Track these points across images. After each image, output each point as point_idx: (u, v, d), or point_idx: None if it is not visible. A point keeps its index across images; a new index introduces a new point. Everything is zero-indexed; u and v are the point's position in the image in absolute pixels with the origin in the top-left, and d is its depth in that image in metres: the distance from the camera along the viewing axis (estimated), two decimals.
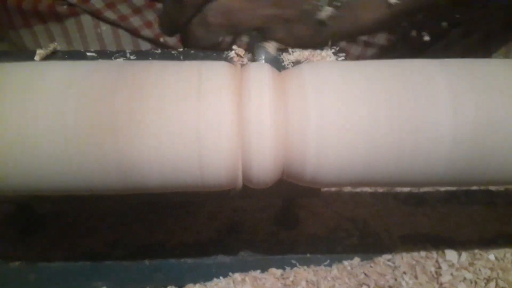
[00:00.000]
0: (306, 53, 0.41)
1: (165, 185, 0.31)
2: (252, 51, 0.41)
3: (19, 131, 0.29)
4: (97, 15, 0.78)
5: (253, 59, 0.41)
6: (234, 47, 0.42)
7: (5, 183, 0.30)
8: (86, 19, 0.79)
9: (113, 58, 0.41)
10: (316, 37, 0.43)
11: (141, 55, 0.41)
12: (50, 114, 0.28)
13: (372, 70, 0.31)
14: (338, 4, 0.40)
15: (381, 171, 0.31)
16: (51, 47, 0.42)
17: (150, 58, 0.41)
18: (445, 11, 0.48)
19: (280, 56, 0.41)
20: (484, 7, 0.50)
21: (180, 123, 0.29)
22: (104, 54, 0.41)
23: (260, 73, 0.31)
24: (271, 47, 0.41)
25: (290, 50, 0.42)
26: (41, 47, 0.88)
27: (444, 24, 0.49)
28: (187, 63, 0.32)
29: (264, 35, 0.42)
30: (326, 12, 0.39)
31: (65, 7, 0.78)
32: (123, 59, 0.40)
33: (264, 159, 0.30)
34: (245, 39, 0.43)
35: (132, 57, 0.41)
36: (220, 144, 0.29)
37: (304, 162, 0.30)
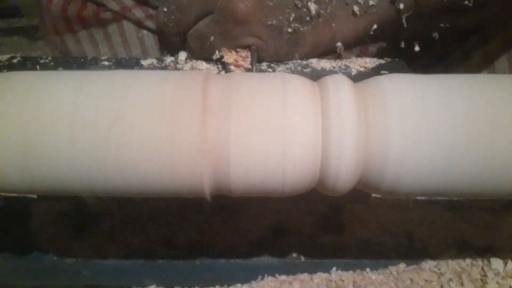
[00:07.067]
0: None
1: (248, 190, 0.32)
2: None
3: (105, 136, 0.31)
4: (138, 24, 0.81)
5: None
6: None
7: (91, 186, 0.32)
8: (128, 24, 0.82)
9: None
10: (291, 52, 0.45)
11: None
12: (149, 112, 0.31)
13: (451, 86, 0.32)
14: (307, 18, 0.41)
15: (455, 186, 0.32)
16: None
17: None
18: (430, 21, 0.48)
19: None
20: (502, 10, 0.49)
21: (267, 132, 0.30)
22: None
23: (340, 86, 0.32)
24: None
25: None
26: (84, 52, 0.91)
27: (435, 35, 0.49)
28: (270, 75, 0.33)
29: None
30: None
31: (108, 13, 0.81)
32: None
33: (344, 171, 0.31)
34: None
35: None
36: (303, 156, 0.31)
37: (383, 175, 0.32)
